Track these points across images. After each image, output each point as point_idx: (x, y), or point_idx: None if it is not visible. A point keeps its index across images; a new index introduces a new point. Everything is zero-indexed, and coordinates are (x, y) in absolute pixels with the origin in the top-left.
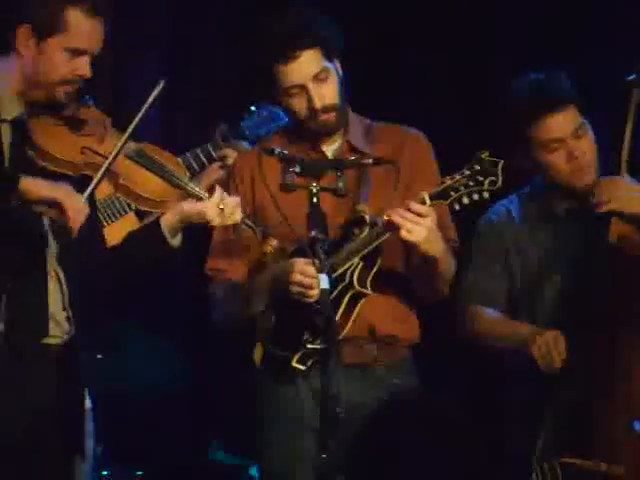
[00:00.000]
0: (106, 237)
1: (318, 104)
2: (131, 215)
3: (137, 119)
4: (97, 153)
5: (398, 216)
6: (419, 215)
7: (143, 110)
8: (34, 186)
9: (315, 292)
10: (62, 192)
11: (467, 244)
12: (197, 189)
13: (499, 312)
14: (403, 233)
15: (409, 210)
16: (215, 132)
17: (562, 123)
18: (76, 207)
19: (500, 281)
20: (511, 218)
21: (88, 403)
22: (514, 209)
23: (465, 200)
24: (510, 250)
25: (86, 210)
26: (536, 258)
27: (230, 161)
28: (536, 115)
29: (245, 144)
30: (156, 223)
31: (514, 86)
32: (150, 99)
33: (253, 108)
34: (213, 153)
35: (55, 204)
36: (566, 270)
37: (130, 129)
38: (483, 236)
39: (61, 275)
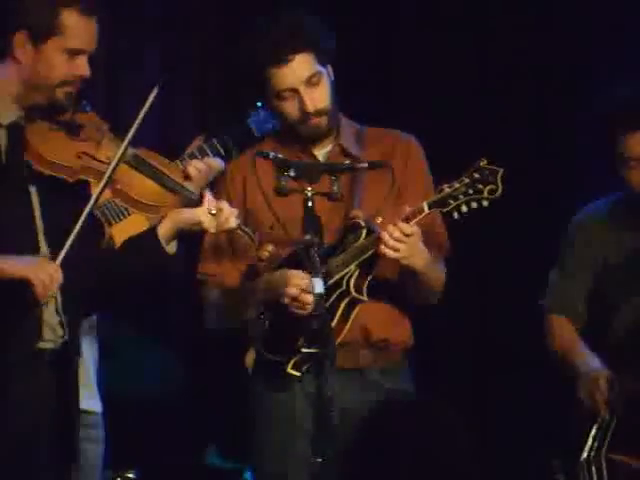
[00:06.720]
0: (116, 235)
1: (310, 107)
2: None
3: (135, 126)
4: (94, 158)
5: (384, 233)
6: (405, 234)
7: (141, 116)
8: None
9: (310, 304)
10: (29, 269)
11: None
12: (193, 194)
13: (578, 326)
14: (386, 251)
15: (396, 228)
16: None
17: None
18: (44, 282)
19: (584, 287)
20: (600, 220)
21: (99, 407)
22: (604, 211)
23: (464, 208)
24: (597, 256)
25: (59, 277)
26: (621, 266)
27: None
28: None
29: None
30: (153, 230)
31: (601, 100)
32: (147, 104)
33: (259, 104)
34: (220, 149)
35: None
36: None
37: (129, 136)
38: (571, 239)
39: None
